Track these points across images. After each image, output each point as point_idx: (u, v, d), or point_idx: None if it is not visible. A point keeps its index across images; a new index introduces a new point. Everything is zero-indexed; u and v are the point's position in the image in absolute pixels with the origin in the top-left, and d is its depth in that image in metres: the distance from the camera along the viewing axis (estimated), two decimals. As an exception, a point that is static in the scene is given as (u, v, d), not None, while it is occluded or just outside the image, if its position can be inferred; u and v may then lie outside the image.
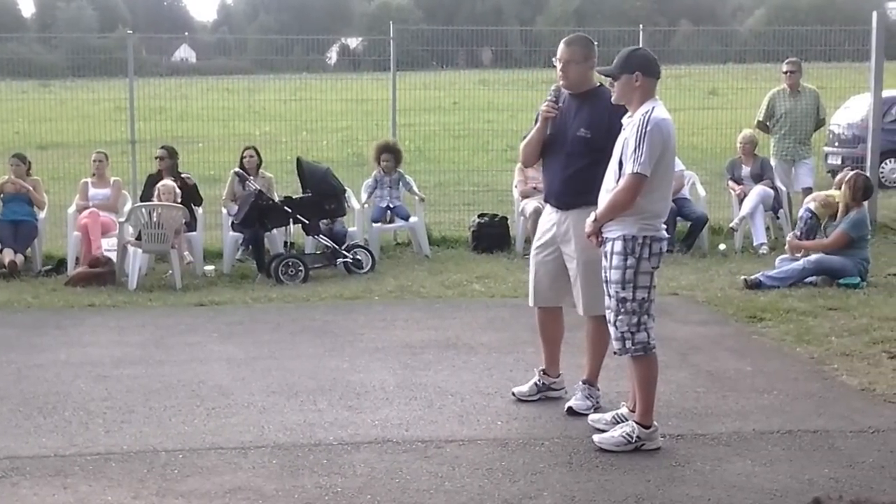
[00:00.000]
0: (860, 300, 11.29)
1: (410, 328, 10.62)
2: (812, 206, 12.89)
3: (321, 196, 13.63)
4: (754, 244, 14.67)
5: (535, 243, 7.99)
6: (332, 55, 29.64)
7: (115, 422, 7.67)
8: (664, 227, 6.94)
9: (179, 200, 13.56)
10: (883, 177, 20.41)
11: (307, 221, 13.60)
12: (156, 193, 13.53)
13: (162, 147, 14.85)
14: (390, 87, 16.65)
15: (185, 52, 35.02)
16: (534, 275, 7.96)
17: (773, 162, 15.45)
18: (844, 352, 9.29)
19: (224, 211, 14.55)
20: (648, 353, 6.93)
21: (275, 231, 13.94)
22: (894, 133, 20.58)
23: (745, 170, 15.34)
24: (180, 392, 8.43)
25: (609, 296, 6.90)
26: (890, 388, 8.20)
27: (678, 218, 14.45)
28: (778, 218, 15.27)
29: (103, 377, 8.89)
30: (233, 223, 14.03)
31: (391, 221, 15.03)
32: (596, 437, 7.04)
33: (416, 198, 15.21)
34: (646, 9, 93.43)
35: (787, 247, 12.95)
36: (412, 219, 14.96)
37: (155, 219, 13.08)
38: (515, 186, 14.83)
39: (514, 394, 8.09)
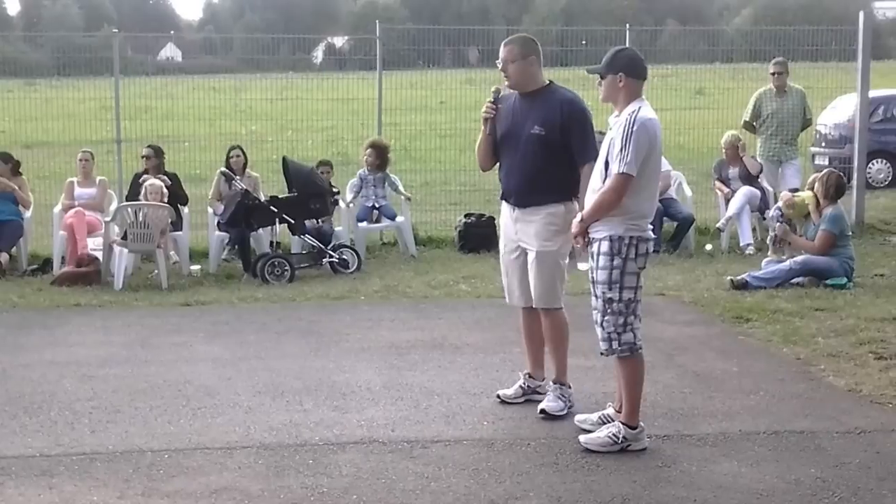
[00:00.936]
0: (847, 301, 11.30)
1: (396, 328, 10.60)
2: (780, 204, 12.95)
3: (307, 195, 13.62)
4: (741, 244, 14.67)
5: (501, 244, 8.06)
6: (318, 54, 29.61)
7: (100, 422, 7.65)
8: (651, 227, 6.93)
9: (166, 200, 13.52)
10: (870, 177, 20.44)
11: (293, 221, 13.58)
12: (143, 191, 13.49)
13: (148, 146, 14.82)
14: (376, 87, 16.66)
15: (170, 51, 34.96)
16: (504, 275, 8.05)
17: (759, 160, 15.43)
18: (831, 352, 9.29)
19: (210, 210, 14.52)
20: (635, 353, 6.92)
21: (261, 231, 13.91)
22: (881, 133, 20.68)
23: (733, 171, 15.34)
24: (166, 392, 8.40)
25: (595, 296, 6.90)
26: (876, 389, 8.20)
27: (665, 218, 14.44)
28: (765, 218, 15.26)
29: (89, 377, 8.85)
30: (219, 223, 14.02)
31: (377, 221, 15.01)
32: (582, 438, 7.03)
33: (403, 197, 15.19)
34: (633, 8, 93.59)
35: (769, 240, 13.00)
36: (398, 218, 14.95)
37: (141, 218, 13.04)
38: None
39: (499, 396, 8.07)
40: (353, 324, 10.79)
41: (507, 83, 7.69)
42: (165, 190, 13.58)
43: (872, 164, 21.08)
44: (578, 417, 7.46)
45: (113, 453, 6.96)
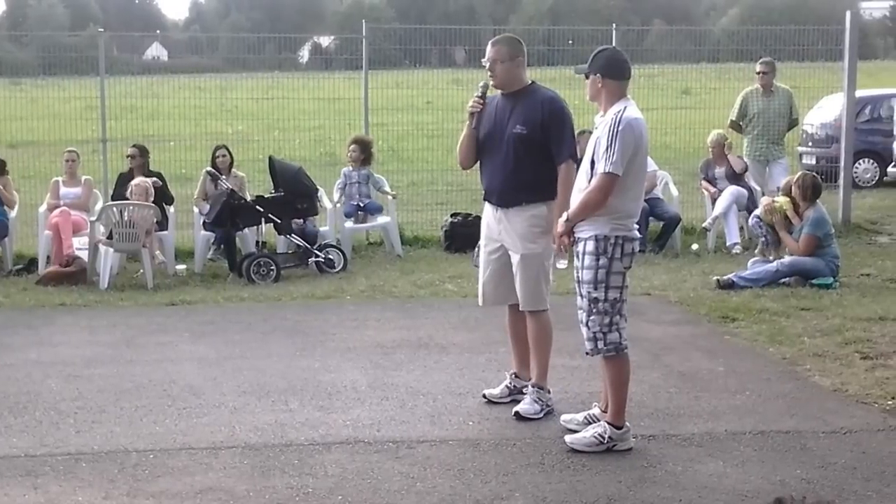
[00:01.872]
0: (833, 300, 11.31)
1: (382, 328, 10.59)
2: (759, 212, 12.98)
3: (293, 195, 13.60)
4: (727, 244, 14.67)
5: (482, 243, 8.05)
6: (305, 54, 29.54)
7: (85, 422, 7.63)
8: (636, 226, 6.95)
9: (152, 199, 13.48)
10: (856, 177, 20.47)
11: (279, 221, 13.55)
12: (129, 190, 13.45)
13: (133, 146, 14.75)
14: (362, 86, 16.65)
15: (156, 51, 34.88)
16: (481, 274, 8.03)
17: (746, 160, 15.43)
18: (817, 352, 9.30)
19: (196, 210, 14.48)
20: (620, 353, 6.93)
21: (246, 230, 13.87)
22: (867, 133, 20.72)
23: (719, 170, 15.33)
24: (151, 392, 8.38)
25: (581, 296, 6.90)
26: (862, 389, 8.21)
27: (651, 218, 14.41)
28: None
29: (74, 377, 8.84)
30: (204, 222, 13.98)
31: (363, 221, 14.98)
32: (568, 438, 7.04)
33: (389, 196, 15.17)
34: (619, 7, 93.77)
35: (758, 251, 13.04)
36: (384, 217, 14.93)
37: (126, 218, 13.00)
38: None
39: (485, 396, 8.07)
40: (338, 323, 10.77)
41: (492, 82, 7.71)
42: (152, 190, 13.54)
43: (859, 163, 21.13)
44: (564, 417, 7.46)
45: (98, 453, 6.95)
